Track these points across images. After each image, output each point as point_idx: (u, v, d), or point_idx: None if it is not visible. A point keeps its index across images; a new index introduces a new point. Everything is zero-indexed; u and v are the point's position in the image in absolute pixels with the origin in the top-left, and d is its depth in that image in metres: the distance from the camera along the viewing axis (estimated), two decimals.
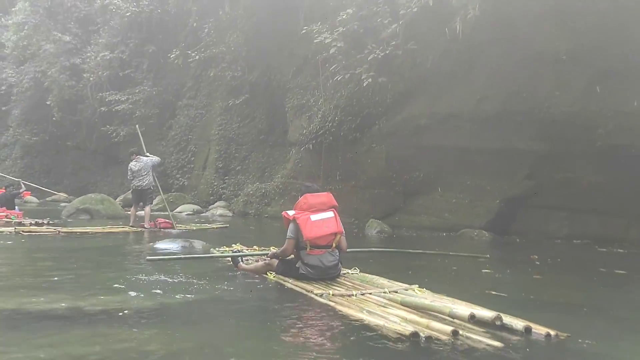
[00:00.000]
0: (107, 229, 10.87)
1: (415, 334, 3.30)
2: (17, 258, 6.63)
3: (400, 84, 15.02)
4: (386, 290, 4.71)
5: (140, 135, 12.72)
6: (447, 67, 13.97)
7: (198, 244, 8.34)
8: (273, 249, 6.05)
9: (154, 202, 21.17)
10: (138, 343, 3.14)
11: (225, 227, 13.14)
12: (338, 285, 5.11)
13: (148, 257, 6.56)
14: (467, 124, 13.74)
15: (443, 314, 3.73)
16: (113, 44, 28.31)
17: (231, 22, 22.12)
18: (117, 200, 21.11)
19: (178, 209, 20.79)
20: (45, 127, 31.49)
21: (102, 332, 3.36)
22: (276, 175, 20.08)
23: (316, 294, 4.59)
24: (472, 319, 3.55)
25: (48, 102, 29.54)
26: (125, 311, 3.85)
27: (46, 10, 31.30)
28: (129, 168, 12.16)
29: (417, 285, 4.89)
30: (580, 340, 3.49)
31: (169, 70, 26.78)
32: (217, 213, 19.89)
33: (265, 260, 5.95)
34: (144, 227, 11.43)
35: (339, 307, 4.18)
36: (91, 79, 28.17)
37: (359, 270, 5.73)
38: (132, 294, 4.50)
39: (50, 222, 11.76)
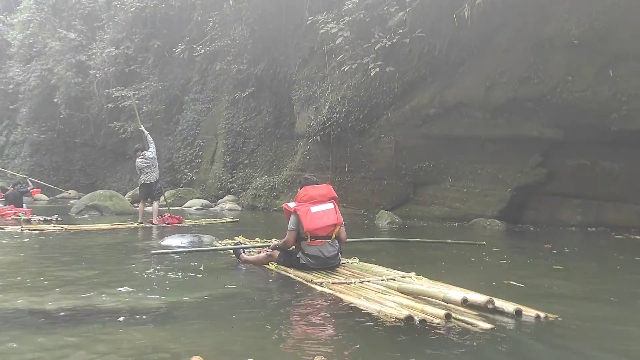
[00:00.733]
0: (115, 226, 10.80)
1: (409, 318, 3.41)
2: (23, 256, 6.56)
3: (408, 73, 14.83)
4: (384, 278, 4.83)
5: (135, 108, 12.53)
6: (456, 54, 13.77)
7: (207, 239, 8.24)
8: (275, 241, 6.15)
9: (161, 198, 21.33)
10: (145, 343, 3.03)
11: (236, 221, 13.04)
12: (338, 274, 5.22)
13: (153, 252, 6.67)
14: (477, 112, 13.54)
15: (437, 298, 3.84)
16: (118, 40, 28.25)
17: (236, 14, 21.94)
18: (126, 196, 21.09)
19: (187, 204, 20.77)
20: (53, 124, 31.56)
21: (110, 332, 3.26)
22: (284, 168, 19.97)
23: (316, 283, 4.74)
24: (465, 302, 3.66)
25: (55, 100, 29.57)
26: (132, 310, 3.75)
27: (51, 7, 31.26)
28: (135, 165, 12.10)
29: (414, 273, 5.00)
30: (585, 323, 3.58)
31: (175, 65, 26.69)
32: (226, 207, 19.83)
33: (267, 251, 6.04)
34: (152, 223, 11.35)
35: (338, 295, 4.30)
36: (97, 75, 28.15)
37: (358, 259, 5.85)
38: (139, 292, 4.40)
39: (59, 219, 11.71)
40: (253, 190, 20.00)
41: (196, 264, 6.09)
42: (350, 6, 15.08)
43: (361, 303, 3.94)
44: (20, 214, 12.10)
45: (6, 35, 35.11)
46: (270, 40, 21.11)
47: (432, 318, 3.44)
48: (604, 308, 4.21)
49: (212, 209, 19.98)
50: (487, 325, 3.33)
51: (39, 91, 31.44)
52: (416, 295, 4.05)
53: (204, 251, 7.17)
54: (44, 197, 26.56)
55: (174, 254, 6.70)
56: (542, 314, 3.60)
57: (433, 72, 14.36)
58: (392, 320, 3.46)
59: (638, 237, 10.49)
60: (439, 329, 3.29)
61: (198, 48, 23.18)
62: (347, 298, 4.15)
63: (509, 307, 3.69)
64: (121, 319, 3.55)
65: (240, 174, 22.48)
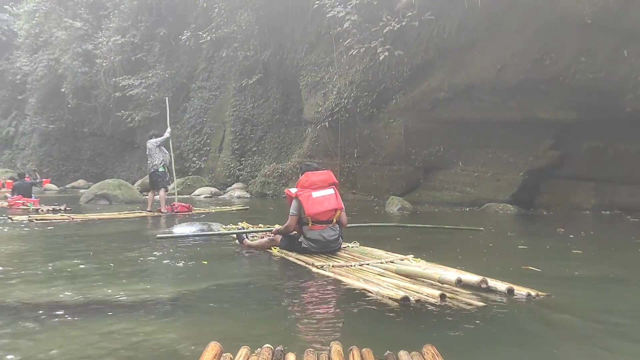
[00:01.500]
0: (123, 215, 10.75)
1: (405, 298, 3.51)
2: (29, 247, 6.50)
3: (417, 57, 14.59)
4: (383, 260, 4.97)
5: (168, 109, 12.38)
6: (466, 37, 13.51)
7: (216, 227, 8.17)
8: (277, 226, 6.28)
9: (171, 186, 21.31)
10: (158, 334, 2.95)
11: (246, 209, 12.97)
12: (338, 257, 5.33)
13: (158, 236, 6.85)
14: (488, 95, 13.32)
15: (433, 279, 4.01)
16: (124, 28, 28.13)
17: (241, 0, 21.71)
18: (135, 185, 21.11)
19: (195, 192, 20.76)
20: (62, 114, 31.61)
21: (121, 324, 3.18)
22: (293, 154, 19.86)
23: (317, 266, 4.84)
24: (459, 283, 3.82)
25: (63, 90, 29.58)
26: (142, 301, 3.67)
27: None
28: None
29: (412, 255, 5.13)
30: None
31: (181, 52, 26.55)
32: (235, 195, 19.79)
33: (269, 236, 6.17)
34: (161, 212, 11.30)
35: (338, 277, 4.40)
36: (104, 64, 28.08)
37: (358, 243, 5.99)
38: (148, 282, 4.33)
39: (68, 208, 11.68)
40: (262, 177, 19.92)
41: (202, 251, 6.09)
42: None
43: (361, 285, 4.05)
44: (28, 204, 12.08)
45: (12, 25, 35.09)
46: (277, 26, 20.89)
47: (427, 298, 3.56)
48: (621, 291, 4.10)
49: (221, 196, 19.95)
50: (481, 304, 3.45)
51: (46, 81, 31.46)
52: (413, 277, 4.19)
53: (208, 235, 7.30)
54: (53, 186, 26.68)
55: (180, 238, 6.88)
56: (533, 292, 3.71)
57: (442, 55, 14.12)
58: (391, 300, 3.56)
59: None
60: (434, 308, 3.40)
61: (204, 35, 23.00)
62: (348, 281, 4.25)
63: (502, 285, 3.81)
64: (132, 310, 3.47)
65: (249, 161, 22.41)
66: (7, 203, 13.20)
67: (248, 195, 19.70)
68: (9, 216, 9.85)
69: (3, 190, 19.85)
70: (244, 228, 7.57)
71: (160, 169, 11.70)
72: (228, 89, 24.26)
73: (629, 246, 6.89)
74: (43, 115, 32.53)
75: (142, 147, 24.22)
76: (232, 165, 22.79)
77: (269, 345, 2.37)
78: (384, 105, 15.78)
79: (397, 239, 7.23)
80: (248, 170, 22.07)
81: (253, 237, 6.69)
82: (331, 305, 3.72)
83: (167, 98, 13.17)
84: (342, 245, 5.76)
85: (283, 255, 5.62)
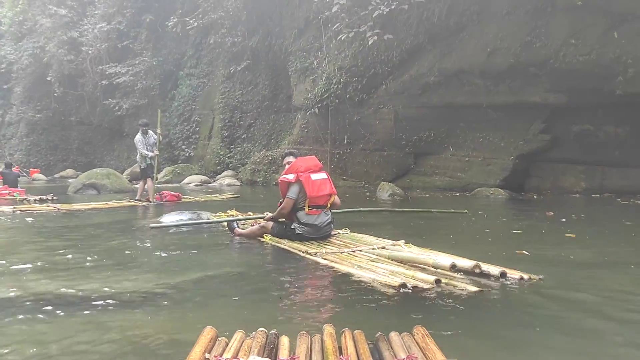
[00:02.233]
0: (111, 205, 10.60)
1: (403, 285, 3.50)
2: (12, 238, 6.37)
3: (407, 41, 14.48)
4: (375, 246, 4.96)
5: (159, 116, 11.99)
6: (456, 20, 13.41)
7: (206, 216, 8.07)
8: (268, 214, 6.22)
9: (161, 174, 21.12)
10: (153, 325, 2.87)
11: (236, 197, 12.85)
12: (330, 244, 5.32)
13: (151, 225, 6.78)
14: (478, 79, 13.25)
15: (427, 265, 4.01)
16: (109, 15, 27.69)
17: None
18: (124, 174, 20.90)
19: (185, 180, 20.59)
20: (48, 103, 31.19)
21: (109, 315, 3.08)
22: (282, 141, 19.73)
23: (310, 254, 4.82)
24: (454, 268, 3.84)
25: (49, 78, 29.15)
26: (128, 294, 3.57)
27: None
28: None
29: (404, 241, 5.11)
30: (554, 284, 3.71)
31: (168, 39, 26.21)
32: (225, 183, 19.65)
33: (259, 224, 6.12)
34: (149, 201, 11.17)
35: (332, 264, 4.38)
36: (90, 52, 27.66)
37: (349, 230, 6.03)
38: (139, 273, 4.24)
39: (54, 198, 11.51)
40: (252, 165, 19.79)
41: (192, 240, 5.99)
42: None
43: (355, 272, 4.02)
44: (14, 194, 11.90)
45: None
46: (265, 11, 20.64)
47: (423, 284, 3.53)
48: (615, 275, 4.07)
49: (211, 184, 19.80)
50: (475, 288, 3.45)
51: (32, 70, 30.97)
52: (406, 263, 4.17)
53: (200, 224, 7.23)
54: (42, 176, 26.40)
55: (172, 227, 6.83)
56: (525, 276, 3.73)
57: (432, 39, 14.01)
58: (386, 286, 3.55)
59: None
60: (430, 293, 3.39)
61: (191, 21, 22.69)
62: (342, 267, 4.23)
63: (495, 270, 3.81)
64: (122, 301, 3.38)
65: (238, 148, 22.26)
66: None
67: (238, 183, 19.57)
68: None
69: None
70: (233, 216, 7.49)
71: (146, 163, 11.52)
72: (216, 76, 24.01)
73: (621, 229, 6.88)
74: (29, 105, 32.06)
75: (130, 135, 23.97)
76: (222, 152, 22.63)
77: (263, 329, 2.40)
78: (373, 90, 15.67)
79: (387, 226, 7.20)
80: (238, 158, 21.92)
81: (244, 225, 6.61)
82: (324, 291, 3.71)
83: (159, 110, 12.87)
84: (333, 232, 5.77)
85: (274, 242, 5.59)
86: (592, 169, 12.75)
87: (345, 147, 16.73)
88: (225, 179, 20.38)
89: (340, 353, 2.16)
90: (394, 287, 3.49)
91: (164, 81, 26.22)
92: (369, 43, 14.23)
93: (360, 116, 16.03)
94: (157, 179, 12.02)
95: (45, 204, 10.37)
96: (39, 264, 4.59)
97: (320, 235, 5.52)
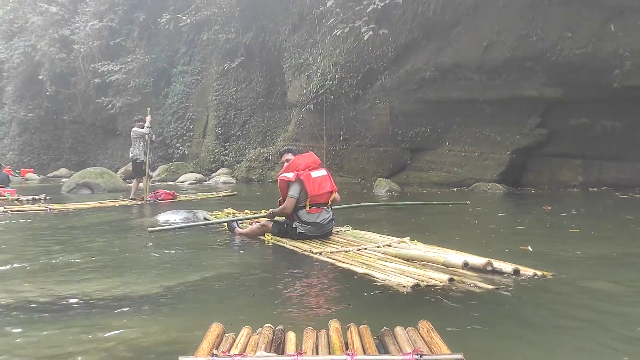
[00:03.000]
0: (104, 204, 10.46)
1: (416, 285, 3.43)
2: (4, 240, 6.25)
3: (402, 36, 14.38)
4: (380, 244, 4.86)
5: (148, 117, 11.81)
6: (451, 14, 13.31)
7: (201, 215, 7.97)
8: (264, 212, 6.16)
9: (156, 172, 20.97)
10: (142, 333, 2.77)
11: (233, 194, 12.74)
12: (333, 242, 5.25)
13: (150, 229, 6.56)
14: (474, 74, 13.18)
15: (437, 263, 3.93)
16: (101, 12, 27.42)
17: None
18: (118, 173, 20.74)
19: (180, 179, 20.45)
20: (40, 102, 30.89)
21: (103, 322, 2.98)
22: (278, 138, 19.61)
23: (315, 253, 4.71)
24: (466, 266, 3.76)
25: (40, 77, 28.85)
26: (128, 298, 3.47)
27: None
28: None
29: (409, 238, 5.01)
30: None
31: (161, 36, 25.99)
32: (220, 180, 19.53)
33: (259, 222, 6.05)
34: (143, 200, 11.04)
35: (339, 264, 4.28)
36: (82, 50, 27.38)
37: (351, 227, 5.94)
38: (140, 275, 4.12)
39: (47, 197, 11.36)
40: (247, 162, 19.67)
41: (192, 240, 5.89)
42: None
43: (363, 271, 3.92)
44: (6, 194, 11.74)
45: None
46: (258, 7, 20.47)
47: (436, 282, 3.47)
48: (618, 270, 4.02)
49: (207, 182, 19.68)
50: (489, 286, 3.39)
51: (23, 68, 30.65)
52: (415, 260, 4.09)
53: (201, 225, 7.07)
54: (35, 176, 26.17)
55: (172, 230, 6.57)
56: (539, 272, 3.67)
57: (428, 33, 13.92)
58: (400, 287, 3.45)
59: (638, 195, 10.31)
60: (444, 292, 3.32)
61: (184, 18, 22.49)
62: (350, 267, 4.13)
63: (508, 267, 3.73)
64: (129, 304, 3.28)
65: (233, 146, 22.12)
66: None
67: (233, 181, 19.45)
68: None
69: None
70: (231, 215, 7.36)
71: (140, 159, 11.39)
72: (210, 73, 23.83)
73: (623, 223, 6.82)
74: (21, 104, 31.77)
75: (124, 134, 23.78)
76: (217, 150, 22.48)
77: (270, 325, 2.40)
78: (369, 86, 15.58)
79: (389, 223, 7.11)
80: (233, 155, 21.79)
81: (243, 224, 6.53)
82: (329, 288, 3.65)
83: (148, 108, 12.65)
84: (335, 230, 5.70)
85: (276, 242, 5.50)
86: (589, 163, 12.71)
87: (341, 144, 16.63)
88: (221, 176, 20.26)
89: (347, 348, 2.16)
90: (407, 288, 3.42)
91: (157, 79, 26.02)
92: (364, 38, 14.13)
93: (356, 112, 15.94)
94: (150, 177, 11.89)
95: (37, 204, 10.23)
96: (28, 267, 4.47)
97: (322, 233, 5.45)
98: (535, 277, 3.63)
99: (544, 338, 2.56)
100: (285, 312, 3.04)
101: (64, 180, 20.43)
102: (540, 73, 12.10)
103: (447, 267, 3.81)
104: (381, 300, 3.25)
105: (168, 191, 11.81)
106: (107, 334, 2.72)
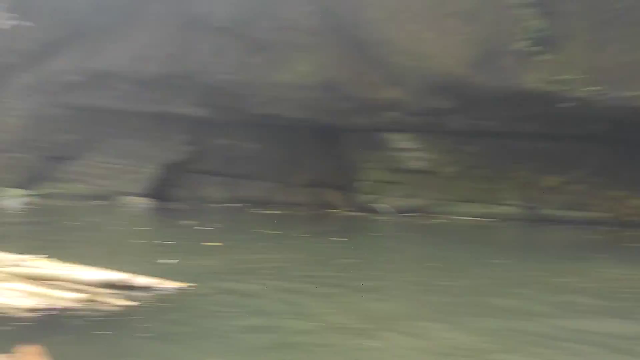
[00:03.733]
0: None
1: (36, 306, 3.17)
2: None
3: (50, 32, 13.12)
4: (8, 265, 4.30)
5: None
6: (106, 20, 12.76)
7: None
8: None
9: None
10: None
11: None
12: None
13: None
14: (125, 85, 12.91)
15: (72, 281, 3.75)
16: None
17: None
18: None
19: None
20: None
21: None
22: None
23: None
24: (102, 282, 3.66)
25: None
26: None
27: None
28: None
29: (47, 256, 4.58)
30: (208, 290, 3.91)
31: None
32: None
33: None
34: None
35: None
36: None
37: None
38: None
39: None
40: None
41: None
42: None
43: None
44: None
45: None
46: None
47: (71, 303, 3.25)
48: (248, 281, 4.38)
49: None
50: (123, 302, 3.33)
51: None
52: (49, 280, 3.79)
53: None
54: None
55: None
56: (184, 285, 3.78)
57: (79, 34, 13.07)
58: (18, 310, 3.12)
59: (267, 211, 11.61)
60: (79, 312, 3.14)
61: None
62: None
63: (147, 281, 3.76)
64: None
65: None
66: None
67: None
68: None
69: None
70: None
71: None
72: None
73: (257, 236, 7.52)
74: None
75: None
76: None
77: None
78: (6, 84, 13.71)
79: (22, 239, 6.48)
80: None
81: None
82: None
83: None
84: None
85: None
86: (228, 181, 13.69)
87: None
88: None
89: None
90: (31, 310, 3.13)
91: None
92: (5, 27, 12.43)
93: None
94: None
95: None
96: None
97: None
98: (175, 289, 3.71)
99: (174, 348, 2.63)
100: None
101: None
102: (189, 93, 12.60)
103: (84, 285, 3.63)
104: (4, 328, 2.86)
105: None
106: None
